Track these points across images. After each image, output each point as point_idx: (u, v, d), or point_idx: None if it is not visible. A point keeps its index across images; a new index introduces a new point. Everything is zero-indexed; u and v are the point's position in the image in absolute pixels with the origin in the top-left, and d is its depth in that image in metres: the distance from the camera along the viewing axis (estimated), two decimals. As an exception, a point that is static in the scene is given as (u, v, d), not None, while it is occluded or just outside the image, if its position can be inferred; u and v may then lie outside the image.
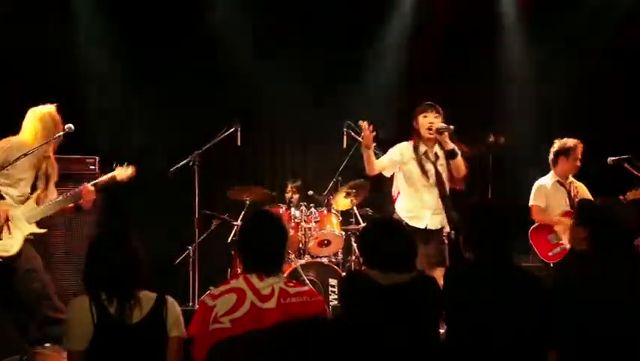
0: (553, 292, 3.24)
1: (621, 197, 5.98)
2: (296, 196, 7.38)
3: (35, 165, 5.27)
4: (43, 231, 5.28)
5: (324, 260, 6.75)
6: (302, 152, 8.65)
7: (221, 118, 6.84)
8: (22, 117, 6.59)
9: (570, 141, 6.27)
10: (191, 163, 6.40)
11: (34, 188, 5.30)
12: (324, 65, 8.30)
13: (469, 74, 8.37)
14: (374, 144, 5.53)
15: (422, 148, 5.68)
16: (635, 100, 8.10)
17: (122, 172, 5.54)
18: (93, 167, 6.29)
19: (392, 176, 5.88)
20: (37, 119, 5.33)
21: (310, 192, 7.41)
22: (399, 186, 5.82)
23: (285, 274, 5.74)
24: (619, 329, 3.10)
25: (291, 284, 3.10)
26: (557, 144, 6.33)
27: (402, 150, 5.73)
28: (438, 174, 5.65)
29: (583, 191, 6.33)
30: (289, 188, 7.49)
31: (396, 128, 7.47)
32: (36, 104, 6.70)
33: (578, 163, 6.27)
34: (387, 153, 5.80)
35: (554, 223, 6.18)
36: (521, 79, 8.58)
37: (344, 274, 6.36)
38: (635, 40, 7.92)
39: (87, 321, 2.98)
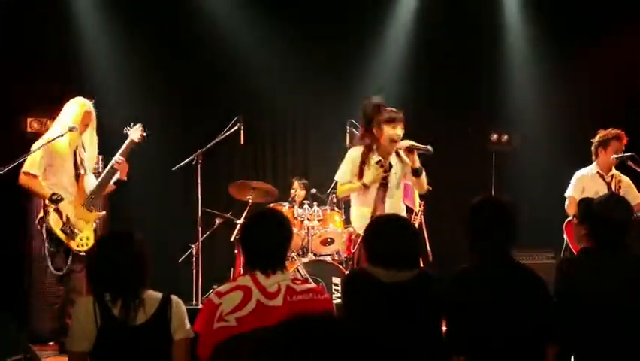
0: (556, 288, 3.24)
1: None
2: (302, 193, 7.39)
3: (69, 157, 5.32)
4: (103, 213, 5.53)
5: (327, 258, 6.75)
6: (305, 150, 8.65)
7: (224, 117, 6.84)
8: (26, 117, 6.65)
9: (610, 132, 6.11)
10: (194, 162, 6.40)
11: (77, 178, 5.40)
12: (326, 63, 8.31)
13: (472, 73, 8.38)
14: None
15: (376, 157, 5.17)
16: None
17: (135, 133, 5.65)
18: (96, 165, 6.29)
19: None
20: (63, 112, 5.41)
21: (313, 191, 7.42)
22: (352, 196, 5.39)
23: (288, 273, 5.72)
24: (615, 325, 3.10)
25: (298, 282, 3.08)
26: (598, 135, 6.17)
27: (353, 160, 5.23)
28: (384, 183, 5.15)
29: (626, 185, 6.13)
30: (296, 185, 7.50)
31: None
32: (38, 106, 6.75)
33: (613, 159, 6.09)
34: (345, 166, 5.27)
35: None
36: (527, 77, 8.59)
37: (347, 272, 6.36)
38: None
39: (90, 323, 2.96)
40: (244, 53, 8.07)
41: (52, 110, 6.73)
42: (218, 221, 7.14)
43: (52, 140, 5.19)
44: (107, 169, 5.50)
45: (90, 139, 5.53)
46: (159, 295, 3.11)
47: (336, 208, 7.05)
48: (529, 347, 3.03)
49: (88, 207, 5.36)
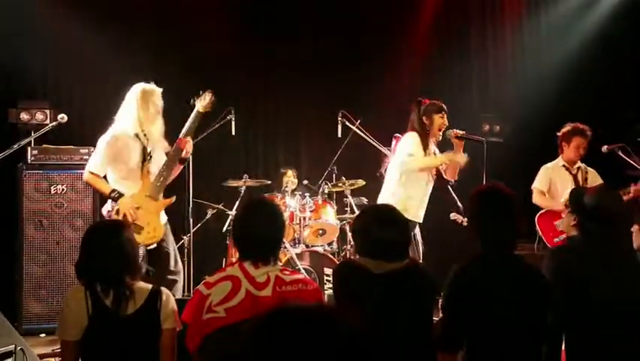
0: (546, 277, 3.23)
1: (623, 192, 5.86)
2: (295, 181, 7.40)
3: (135, 145, 5.14)
4: (171, 200, 5.20)
5: (320, 249, 6.75)
6: (296, 141, 8.63)
7: (215, 107, 6.81)
8: (15, 108, 6.60)
9: (574, 127, 6.20)
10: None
11: (143, 167, 5.17)
12: (319, 53, 8.30)
13: (464, 62, 8.38)
14: None
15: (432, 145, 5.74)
16: (631, 87, 8.10)
17: (202, 101, 5.39)
18: (87, 157, 6.27)
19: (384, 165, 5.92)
20: (130, 100, 5.23)
21: (305, 182, 7.42)
22: (397, 177, 5.69)
23: (281, 263, 5.72)
24: (606, 315, 3.10)
25: (287, 272, 3.08)
26: (562, 129, 6.27)
27: (418, 142, 5.63)
28: (437, 170, 5.76)
29: (593, 177, 6.22)
30: (290, 173, 7.49)
31: (388, 114, 7.47)
32: (30, 99, 6.70)
33: (581, 150, 6.17)
34: (412, 146, 5.62)
35: (549, 207, 6.14)
36: (519, 66, 8.58)
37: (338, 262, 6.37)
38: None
39: (82, 312, 2.98)
40: (235, 44, 8.05)
41: (41, 101, 6.76)
42: (209, 212, 7.12)
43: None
44: (171, 152, 5.23)
45: (153, 121, 5.29)
46: (149, 286, 3.13)
47: (327, 199, 7.05)
48: (528, 344, 3.01)
49: (154, 197, 5.06)
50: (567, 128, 6.24)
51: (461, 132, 5.67)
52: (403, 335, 2.91)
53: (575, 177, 6.22)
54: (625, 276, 3.17)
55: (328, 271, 6.42)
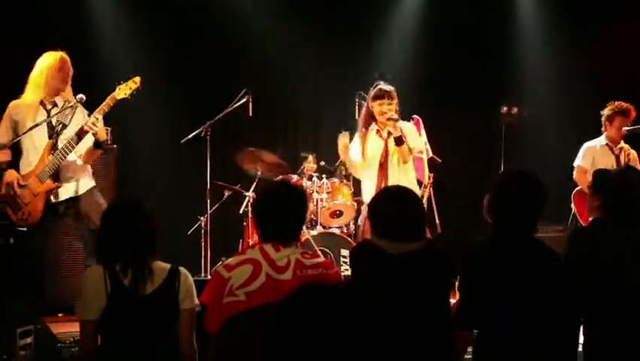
0: (566, 259, 3.20)
1: None
2: (314, 166, 7.39)
3: (40, 116, 4.83)
4: (56, 185, 4.80)
5: (336, 231, 6.76)
6: (315, 123, 8.63)
7: (233, 88, 6.82)
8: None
9: (617, 106, 6.10)
10: (203, 134, 6.38)
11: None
12: (338, 34, 8.28)
13: (483, 45, 8.33)
14: None
15: (374, 127, 5.51)
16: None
17: (123, 90, 4.89)
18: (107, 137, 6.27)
19: None
20: (38, 70, 4.94)
21: (322, 163, 7.42)
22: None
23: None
24: (628, 298, 3.08)
25: (308, 255, 3.07)
26: (606, 108, 6.16)
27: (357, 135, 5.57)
28: (384, 160, 5.45)
29: (634, 159, 6.13)
30: (310, 158, 7.48)
31: (409, 97, 7.43)
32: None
33: (624, 131, 6.09)
34: (353, 146, 5.56)
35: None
36: (539, 48, 8.52)
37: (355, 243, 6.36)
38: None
39: (101, 291, 2.99)
40: (255, 27, 8.06)
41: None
42: (227, 193, 7.14)
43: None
44: (76, 132, 4.76)
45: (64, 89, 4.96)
46: (167, 266, 3.13)
47: (344, 180, 7.04)
48: (543, 329, 2.99)
49: (42, 178, 4.73)
50: (610, 107, 6.13)
51: (388, 115, 5.32)
52: (420, 316, 2.91)
53: (617, 157, 6.09)
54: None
55: (345, 252, 6.43)
